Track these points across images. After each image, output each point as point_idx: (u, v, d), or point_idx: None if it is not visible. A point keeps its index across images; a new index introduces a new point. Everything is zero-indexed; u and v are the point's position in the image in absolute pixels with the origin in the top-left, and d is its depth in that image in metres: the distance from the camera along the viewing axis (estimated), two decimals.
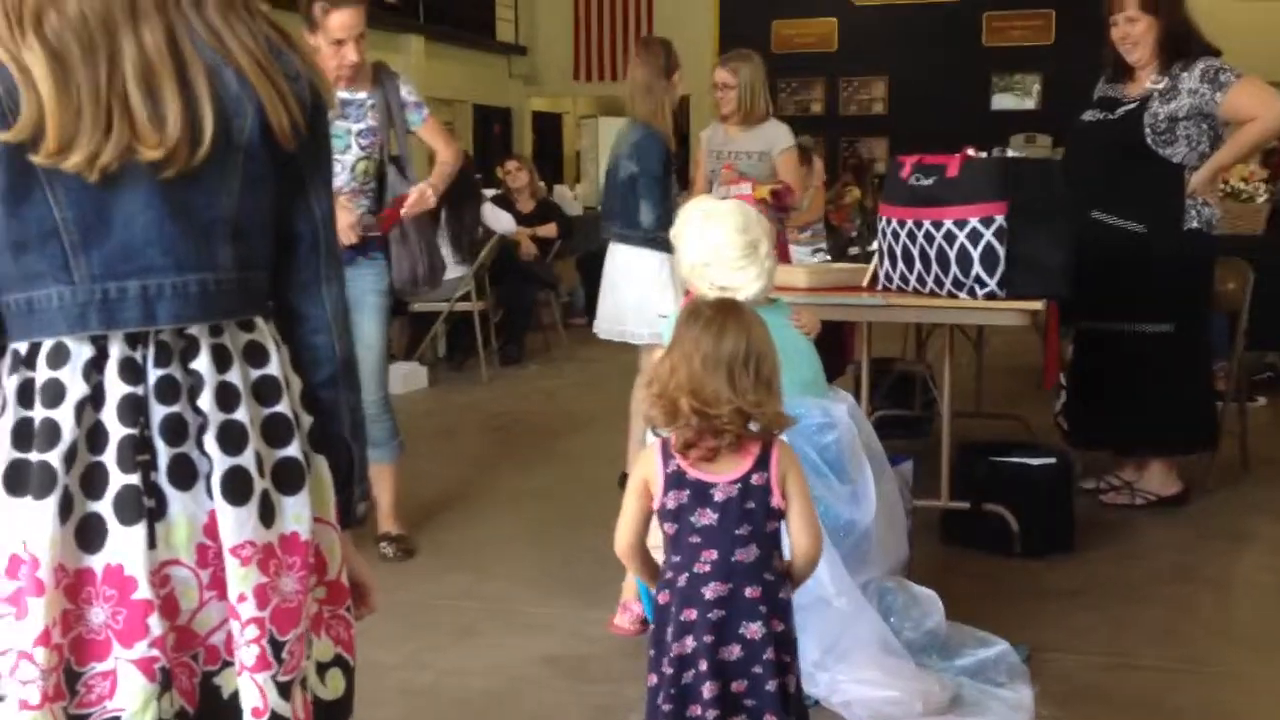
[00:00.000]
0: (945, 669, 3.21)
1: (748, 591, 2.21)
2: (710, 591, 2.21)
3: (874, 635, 3.03)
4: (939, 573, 3.74)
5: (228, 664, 1.45)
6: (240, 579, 1.41)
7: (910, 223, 3.95)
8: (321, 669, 1.54)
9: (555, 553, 4.30)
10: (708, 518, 2.22)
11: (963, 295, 3.88)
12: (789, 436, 2.72)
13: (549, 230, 8.69)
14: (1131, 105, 4.55)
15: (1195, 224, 4.52)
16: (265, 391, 1.46)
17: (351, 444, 1.58)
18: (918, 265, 3.97)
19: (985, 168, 3.83)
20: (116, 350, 1.39)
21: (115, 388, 1.39)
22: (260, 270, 1.48)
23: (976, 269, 3.81)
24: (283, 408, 1.47)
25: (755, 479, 2.23)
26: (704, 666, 2.21)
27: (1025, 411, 5.66)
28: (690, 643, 2.23)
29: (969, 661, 3.28)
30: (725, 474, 2.23)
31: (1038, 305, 3.83)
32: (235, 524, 1.41)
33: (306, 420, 1.51)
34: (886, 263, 4.07)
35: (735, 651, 2.22)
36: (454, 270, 7.02)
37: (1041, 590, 3.92)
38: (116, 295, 1.38)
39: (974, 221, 3.79)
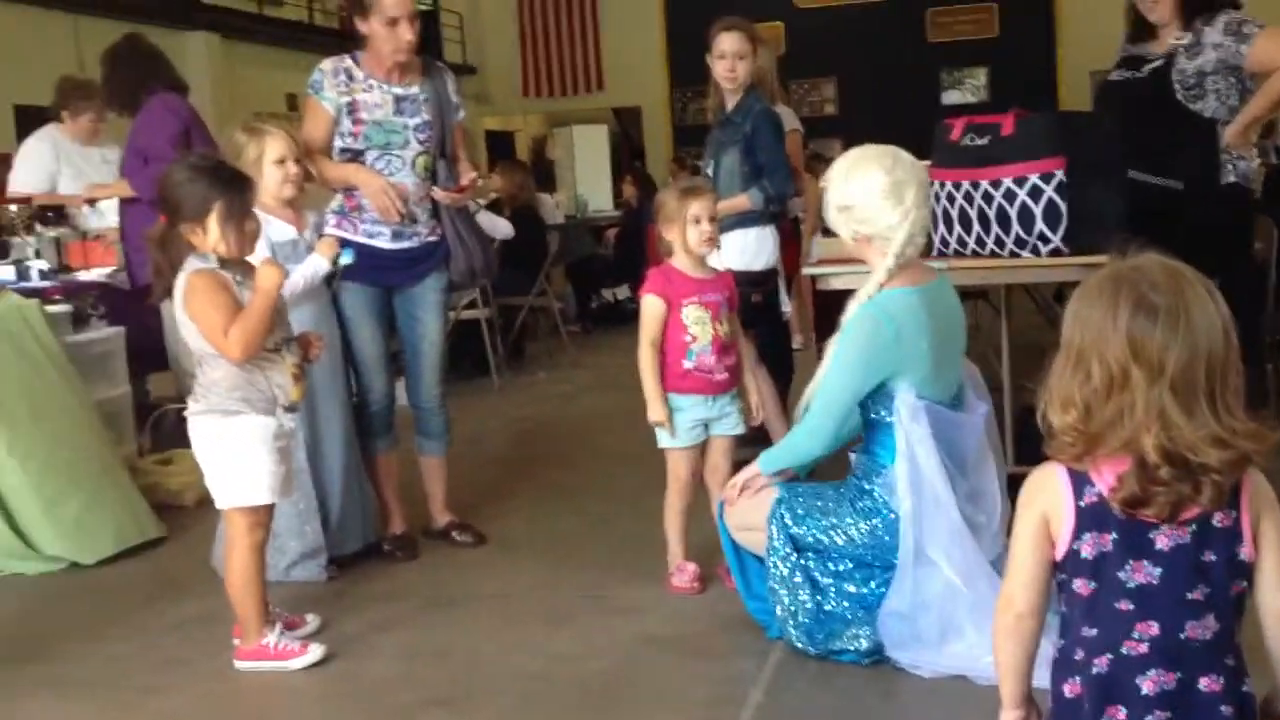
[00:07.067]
0: None
1: (1203, 683, 1.63)
2: (1150, 684, 1.62)
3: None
4: None
5: None
6: None
7: (966, 184, 3.96)
8: None
9: (627, 542, 4.25)
10: (1144, 574, 1.63)
11: (1025, 254, 3.90)
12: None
13: None
14: (1158, 62, 4.58)
15: (1233, 178, 4.57)
16: None
17: None
18: (975, 227, 3.98)
19: (1041, 123, 3.85)
20: None
21: None
22: None
23: (1039, 225, 3.82)
24: None
25: (1219, 520, 1.63)
26: None
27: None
28: None
29: None
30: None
31: (1103, 259, 3.84)
32: None
33: None
34: (942, 227, 4.08)
35: None
36: None
37: None
38: None
39: (1034, 178, 3.81)
